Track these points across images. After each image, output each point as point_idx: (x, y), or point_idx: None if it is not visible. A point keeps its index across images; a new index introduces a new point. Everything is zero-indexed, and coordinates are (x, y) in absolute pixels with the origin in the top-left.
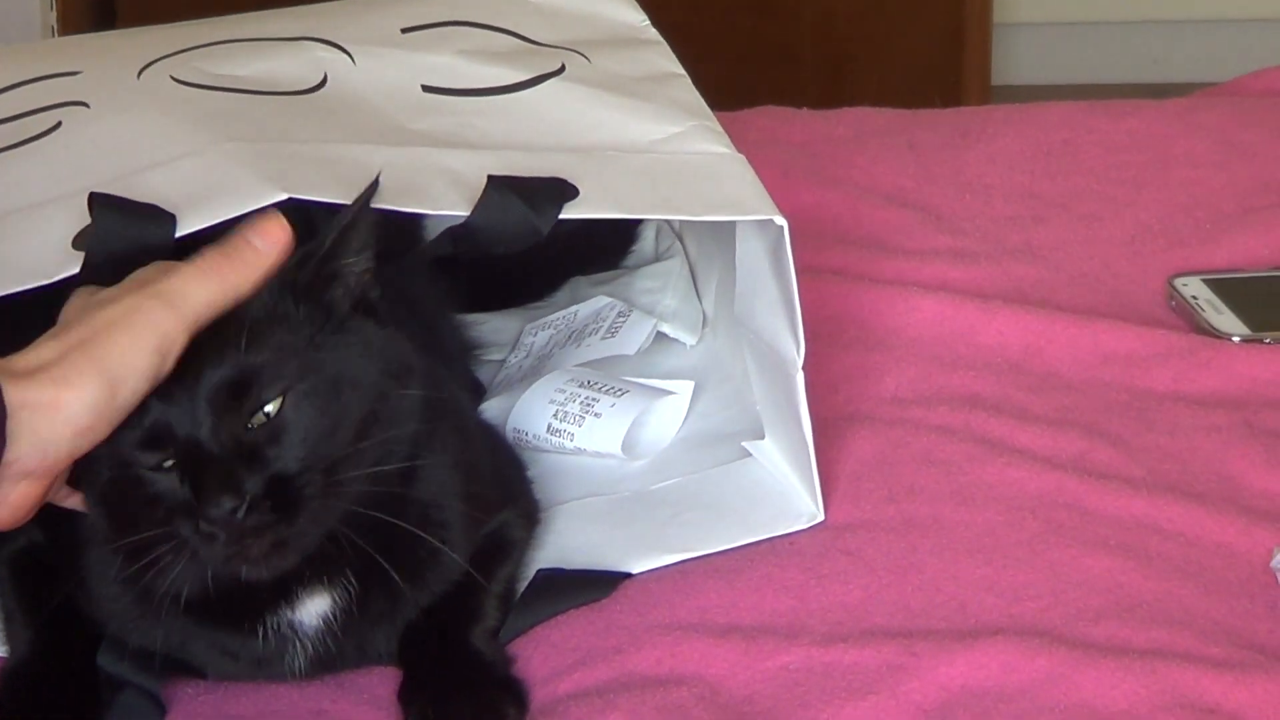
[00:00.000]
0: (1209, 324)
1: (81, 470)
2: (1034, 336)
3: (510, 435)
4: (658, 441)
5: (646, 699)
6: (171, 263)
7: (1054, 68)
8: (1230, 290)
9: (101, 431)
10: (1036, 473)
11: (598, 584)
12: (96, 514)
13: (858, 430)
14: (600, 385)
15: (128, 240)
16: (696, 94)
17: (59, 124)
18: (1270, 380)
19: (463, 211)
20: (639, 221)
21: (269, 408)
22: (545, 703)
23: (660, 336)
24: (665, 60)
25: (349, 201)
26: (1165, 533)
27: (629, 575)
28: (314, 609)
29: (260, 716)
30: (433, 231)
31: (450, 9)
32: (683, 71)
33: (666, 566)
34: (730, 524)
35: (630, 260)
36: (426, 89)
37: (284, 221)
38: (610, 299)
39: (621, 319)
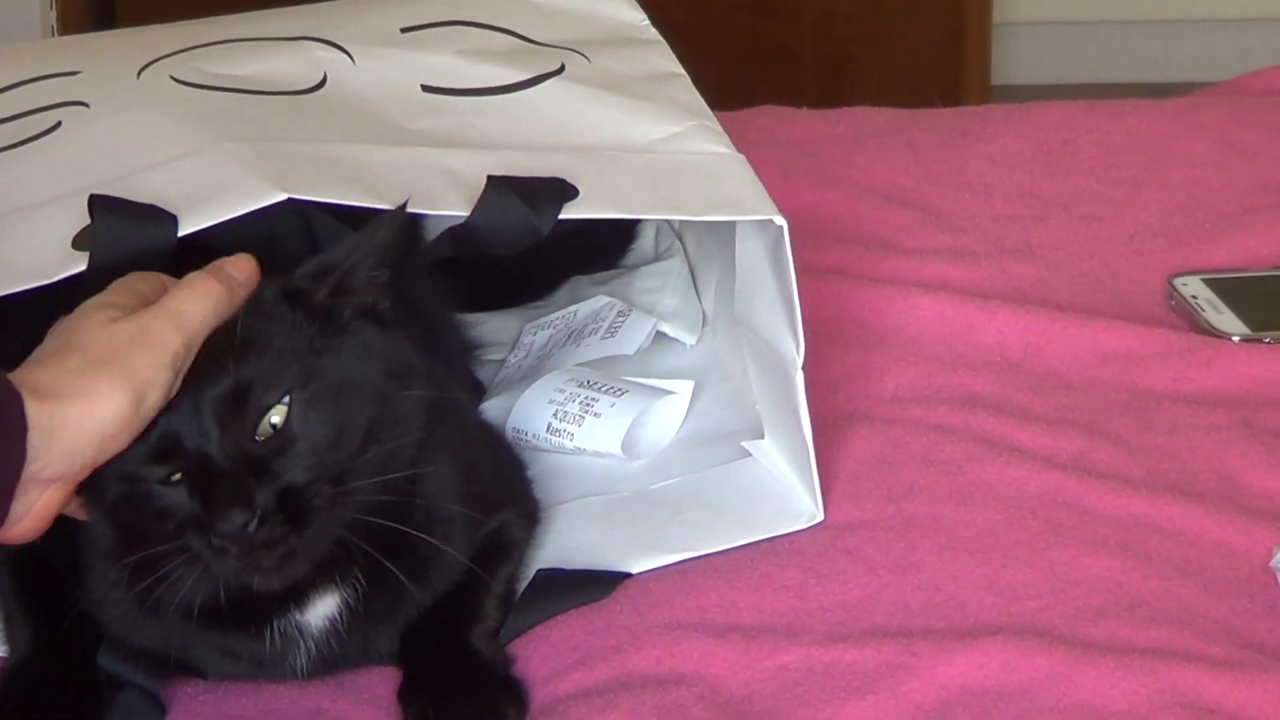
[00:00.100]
0: (1209, 323)
1: (87, 488)
2: (1034, 336)
3: (510, 435)
4: (657, 441)
5: (646, 699)
6: (162, 275)
7: (1054, 67)
8: (1230, 290)
9: (125, 440)
10: (1036, 472)
11: (597, 584)
12: (103, 530)
13: (857, 430)
14: (600, 385)
15: (129, 242)
16: (696, 94)
17: (59, 124)
18: (1270, 380)
19: (463, 211)
20: (638, 221)
21: (275, 418)
22: (545, 702)
23: (660, 336)
24: (665, 60)
25: (348, 201)
26: (1165, 532)
27: (629, 575)
28: (321, 610)
29: (260, 716)
30: (433, 231)
31: (450, 9)
32: (682, 71)
33: (666, 566)
34: (730, 524)
35: (630, 260)
36: (426, 89)
37: (251, 259)
38: (610, 299)
39: (621, 319)
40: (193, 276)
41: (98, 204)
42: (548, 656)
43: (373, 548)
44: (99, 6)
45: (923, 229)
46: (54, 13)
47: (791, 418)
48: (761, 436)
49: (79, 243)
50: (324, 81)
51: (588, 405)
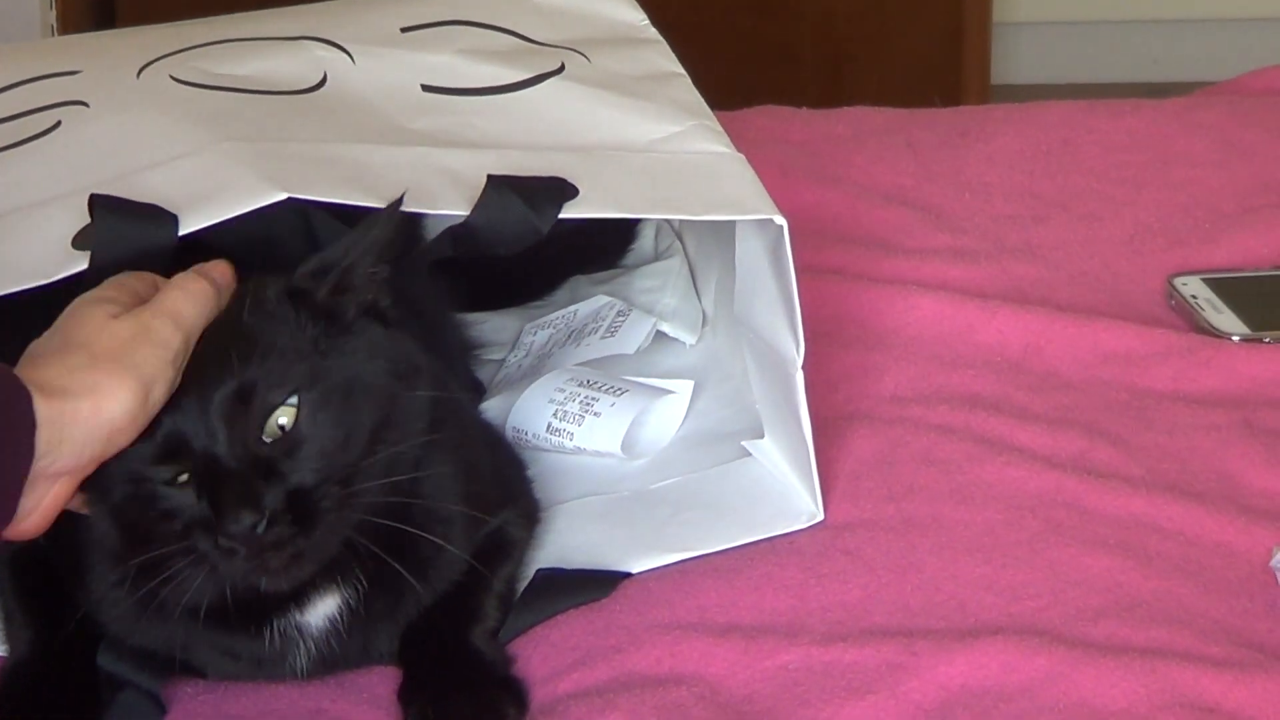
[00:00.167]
0: (1208, 323)
1: (92, 487)
2: (1034, 336)
3: (510, 434)
4: (657, 441)
5: (646, 698)
6: (154, 275)
7: (1053, 67)
8: (1230, 289)
9: (132, 435)
10: (1036, 472)
11: (597, 583)
12: (107, 530)
13: (857, 429)
14: (600, 384)
15: (130, 242)
16: (696, 93)
17: (59, 123)
18: (1270, 379)
19: (462, 211)
20: (638, 221)
21: (283, 419)
22: (545, 702)
23: (660, 336)
24: (665, 59)
25: (348, 201)
26: (1164, 532)
27: (628, 575)
28: (321, 610)
29: (260, 716)
30: (433, 231)
31: (450, 8)
32: (682, 71)
33: (666, 566)
34: (730, 523)
35: (630, 259)
36: (426, 88)
37: (229, 265)
38: (610, 298)
39: (621, 318)
40: (181, 277)
41: (98, 203)
42: (548, 656)
43: (376, 548)
44: (99, 6)
45: (922, 229)
46: (54, 13)
47: (791, 417)
48: (761, 436)
49: (79, 242)
50: (324, 81)
51: (588, 405)
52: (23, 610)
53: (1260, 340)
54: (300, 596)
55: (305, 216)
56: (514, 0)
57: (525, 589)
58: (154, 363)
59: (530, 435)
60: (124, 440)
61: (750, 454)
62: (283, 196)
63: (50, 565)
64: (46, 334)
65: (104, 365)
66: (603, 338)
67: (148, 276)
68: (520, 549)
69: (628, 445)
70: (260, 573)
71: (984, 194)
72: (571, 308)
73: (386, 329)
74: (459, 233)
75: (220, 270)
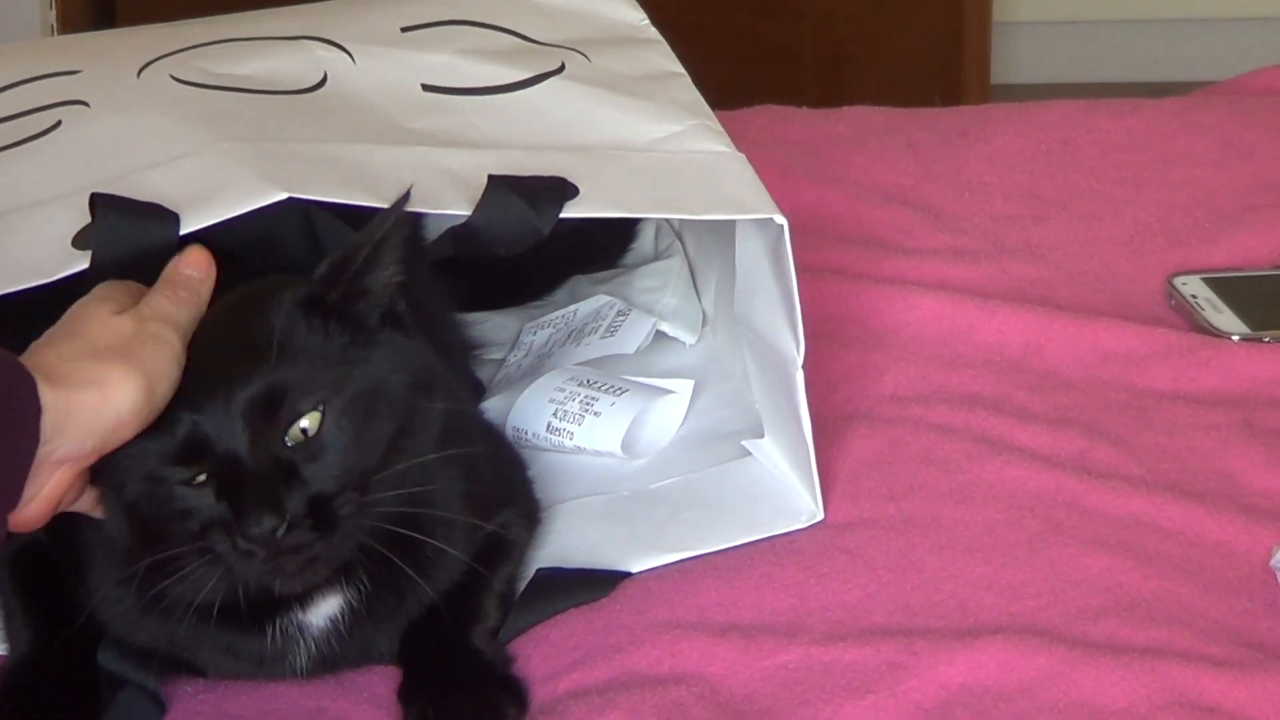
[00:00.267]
0: (1208, 323)
1: (106, 486)
2: (1033, 335)
3: (510, 434)
4: (657, 440)
5: (646, 698)
6: (136, 285)
7: (1053, 67)
8: (1230, 289)
9: (135, 428)
10: (1036, 471)
11: (597, 583)
12: (119, 527)
13: (857, 429)
14: (600, 384)
15: (131, 240)
16: (696, 93)
17: (59, 123)
18: (1270, 379)
19: (463, 211)
20: (638, 220)
21: (305, 423)
22: (545, 701)
23: (660, 335)
24: (665, 59)
25: (349, 201)
26: (1164, 531)
27: (628, 574)
28: (323, 610)
29: (260, 715)
30: (433, 231)
31: (450, 8)
32: (682, 70)
33: (666, 565)
34: (730, 523)
35: (630, 259)
36: (426, 88)
37: (202, 249)
38: (610, 298)
39: (621, 318)
40: (159, 285)
41: (99, 202)
42: (548, 656)
43: (382, 548)
44: (99, 6)
45: (922, 228)
46: (54, 12)
47: (791, 417)
48: (761, 436)
49: (79, 242)
50: (324, 81)
51: (588, 404)
52: (23, 609)
53: (1260, 340)
54: (304, 596)
55: (306, 216)
56: (514, 0)
57: (525, 589)
58: (158, 359)
59: (530, 435)
60: (127, 433)
61: (750, 454)
62: (283, 196)
63: (51, 564)
64: (50, 330)
65: (109, 358)
66: (603, 337)
67: (135, 286)
68: (520, 549)
69: (628, 445)
70: (276, 575)
71: (984, 194)
72: (571, 307)
73: (409, 340)
74: (460, 233)
75: (193, 263)
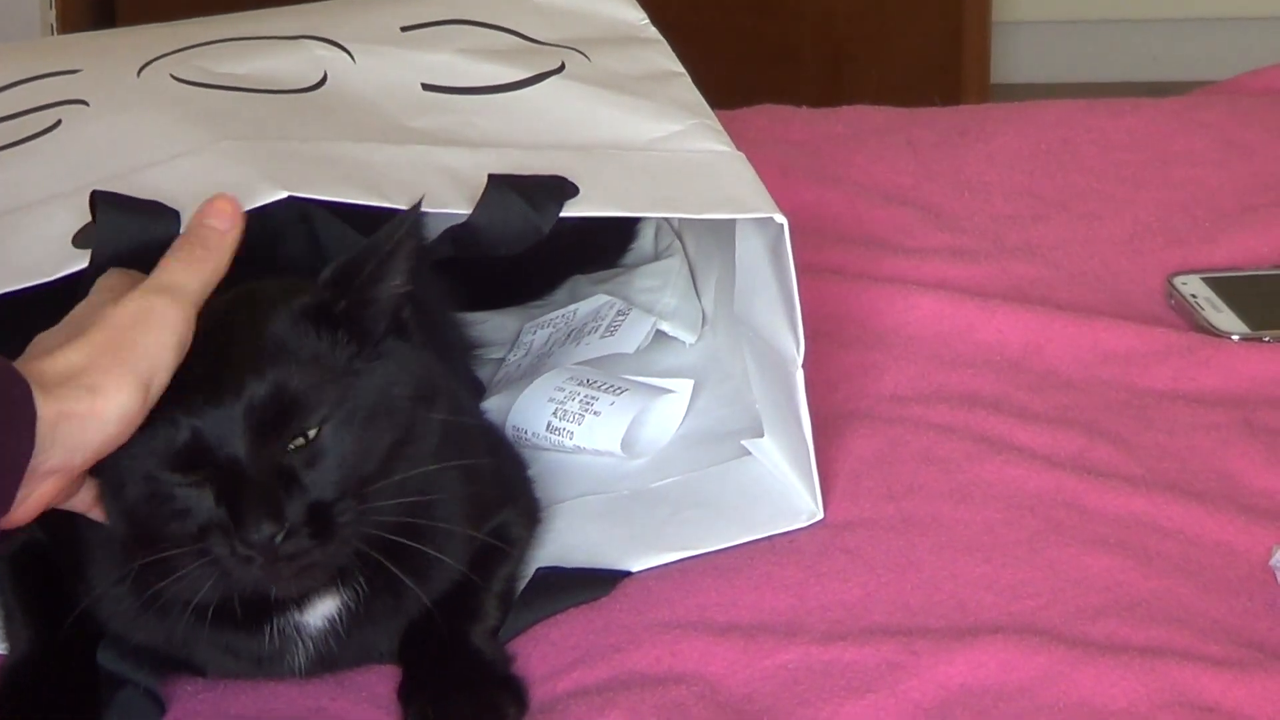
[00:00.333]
0: (1208, 322)
1: (105, 485)
2: (1033, 335)
3: (510, 433)
4: (657, 440)
5: (646, 697)
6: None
7: (1053, 66)
8: (1229, 289)
9: (129, 434)
10: (1036, 471)
11: (597, 582)
12: (118, 526)
13: (857, 428)
14: (599, 383)
15: (132, 237)
16: (696, 92)
17: (59, 122)
18: (1269, 379)
19: (463, 210)
20: (638, 220)
21: (308, 431)
22: (545, 701)
23: (659, 335)
24: (665, 58)
25: (349, 200)
26: (1164, 531)
27: (628, 573)
28: (320, 611)
29: (260, 714)
30: (433, 231)
31: (450, 7)
32: (682, 70)
33: (666, 564)
34: (729, 522)
35: (629, 258)
36: (426, 87)
37: (230, 197)
38: (609, 297)
39: (621, 317)
40: (178, 244)
41: (100, 200)
42: (547, 655)
43: (378, 553)
44: (99, 6)
45: (922, 228)
46: (54, 12)
47: (791, 416)
48: (761, 435)
49: (79, 240)
50: (324, 80)
51: (587, 404)
52: (23, 608)
53: (1260, 339)
54: (300, 598)
55: (306, 217)
56: (514, 0)
57: (525, 588)
58: (155, 349)
59: (530, 434)
60: (121, 440)
61: (750, 453)
62: (283, 195)
63: (50, 563)
64: (54, 328)
65: (103, 363)
66: (602, 337)
67: (138, 276)
68: (521, 548)
69: (627, 444)
70: (272, 580)
71: (984, 193)
72: (571, 307)
73: (414, 349)
74: (460, 232)
75: (217, 212)
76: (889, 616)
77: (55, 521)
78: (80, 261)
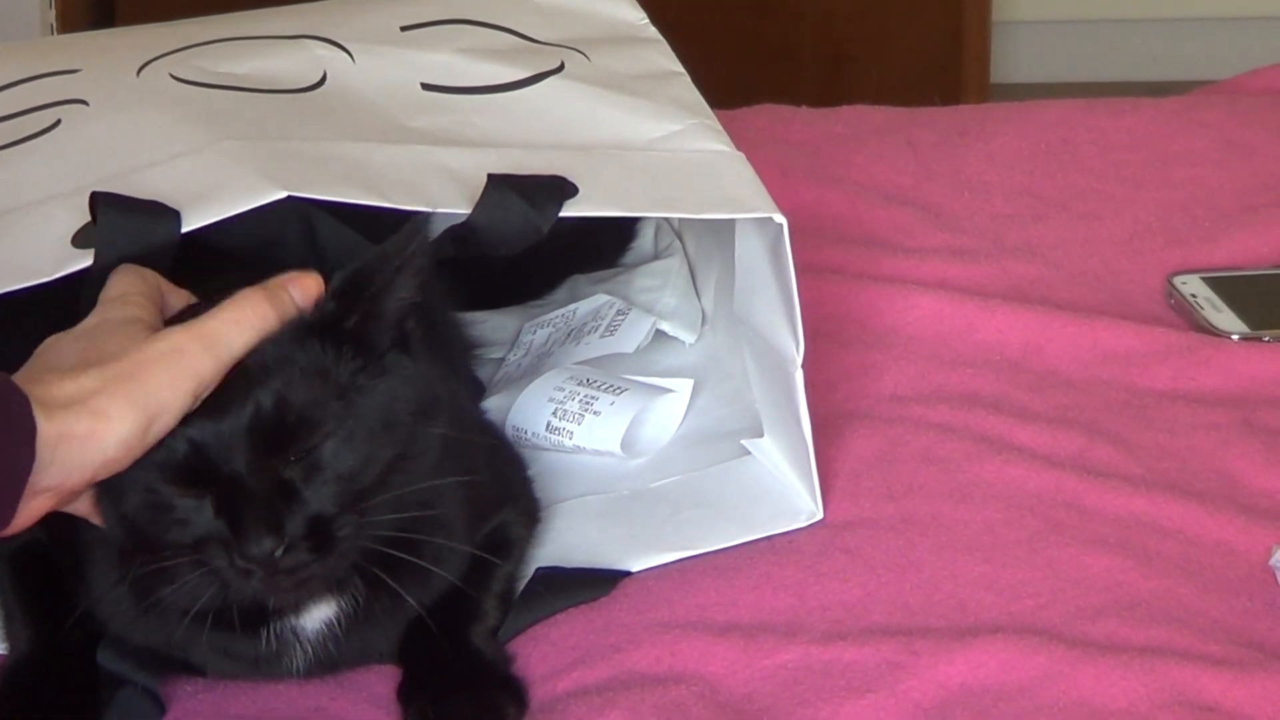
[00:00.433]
0: (1208, 322)
1: (105, 492)
2: (1033, 335)
3: (509, 433)
4: (657, 439)
5: (646, 697)
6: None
7: (1053, 66)
8: (1229, 288)
9: (127, 462)
10: (1035, 471)
11: (597, 582)
12: (116, 532)
13: (857, 428)
14: (599, 383)
15: (132, 238)
16: (696, 92)
17: (58, 122)
18: (1269, 379)
19: (463, 210)
20: (638, 219)
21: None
22: (545, 701)
23: (659, 334)
24: (665, 58)
25: (349, 199)
26: (1164, 531)
27: (628, 573)
28: (317, 615)
29: (259, 714)
30: (432, 231)
31: (449, 7)
32: (682, 70)
33: (666, 564)
34: (729, 522)
35: (629, 258)
36: (426, 87)
37: (319, 279)
38: (609, 297)
39: (620, 317)
40: (246, 295)
41: (100, 200)
42: (547, 655)
43: (375, 560)
44: (99, 6)
45: (922, 228)
46: (54, 12)
47: (791, 416)
48: (761, 435)
49: (79, 240)
50: (323, 80)
51: (587, 403)
52: (23, 608)
53: (1260, 339)
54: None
55: (307, 219)
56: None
57: (525, 588)
58: (168, 391)
59: (530, 434)
60: (117, 467)
61: (750, 453)
62: (282, 195)
63: (51, 563)
64: (68, 337)
65: (113, 389)
66: (602, 336)
67: (150, 275)
68: (520, 548)
69: (627, 444)
70: (271, 593)
71: (984, 193)
72: (571, 306)
73: (416, 362)
74: (459, 232)
75: (304, 286)
76: (889, 616)
77: (56, 522)
78: (80, 261)
